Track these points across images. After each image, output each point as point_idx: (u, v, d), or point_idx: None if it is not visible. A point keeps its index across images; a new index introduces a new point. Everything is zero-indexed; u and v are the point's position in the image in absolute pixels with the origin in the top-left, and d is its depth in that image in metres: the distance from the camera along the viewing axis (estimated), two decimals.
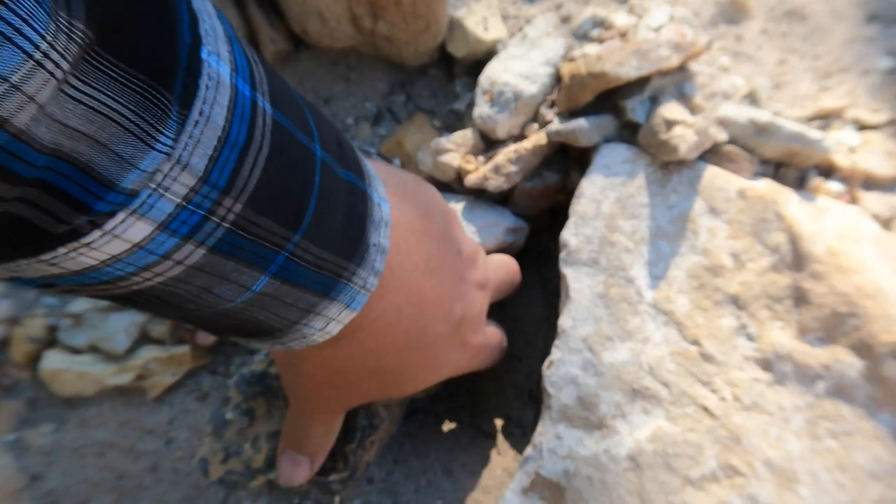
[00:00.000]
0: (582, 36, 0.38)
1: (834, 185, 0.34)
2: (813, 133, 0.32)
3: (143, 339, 0.35)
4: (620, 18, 0.37)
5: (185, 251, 0.17)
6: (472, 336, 0.31)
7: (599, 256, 0.33)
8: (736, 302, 0.32)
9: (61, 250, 0.15)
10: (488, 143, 0.40)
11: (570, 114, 0.36)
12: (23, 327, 0.34)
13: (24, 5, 0.11)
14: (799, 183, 0.34)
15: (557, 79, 0.38)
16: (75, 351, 0.34)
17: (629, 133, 0.35)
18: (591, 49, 0.37)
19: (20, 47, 0.11)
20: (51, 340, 0.34)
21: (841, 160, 0.33)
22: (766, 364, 0.31)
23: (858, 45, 0.38)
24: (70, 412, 0.34)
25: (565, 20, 0.40)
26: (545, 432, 0.32)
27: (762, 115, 0.33)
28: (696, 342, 0.32)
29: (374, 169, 0.26)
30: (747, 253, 0.32)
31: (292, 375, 0.29)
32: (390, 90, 0.45)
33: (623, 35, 0.37)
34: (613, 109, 0.35)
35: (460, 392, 0.41)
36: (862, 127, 0.36)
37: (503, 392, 0.42)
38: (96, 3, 0.13)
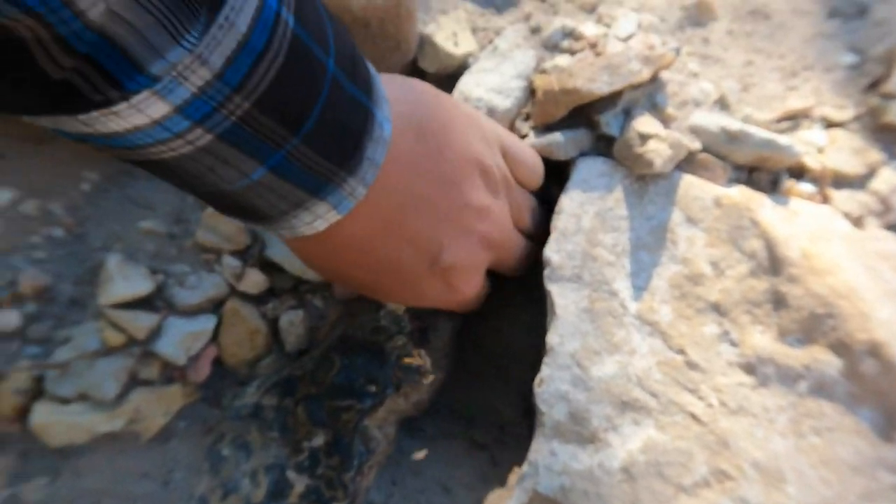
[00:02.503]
0: (553, 47, 0.39)
1: (806, 186, 0.34)
2: (782, 139, 0.33)
3: (133, 382, 0.35)
4: (589, 29, 0.37)
5: (195, 134, 0.20)
6: (464, 285, 0.33)
7: (582, 271, 0.34)
8: (717, 309, 0.33)
9: (94, 114, 0.19)
10: None
11: (545, 127, 0.36)
12: (8, 381, 0.33)
13: None
14: (772, 186, 0.34)
15: (531, 91, 0.38)
16: (64, 401, 0.33)
17: (605, 145, 0.35)
18: (562, 60, 0.37)
19: None
20: (38, 391, 0.34)
21: (810, 161, 0.34)
22: (749, 368, 0.32)
23: (821, 42, 0.39)
24: (63, 463, 0.33)
25: (535, 31, 0.40)
26: (540, 449, 0.33)
27: (733, 124, 0.33)
28: (681, 351, 0.33)
29: (391, 93, 0.28)
30: (725, 260, 0.33)
31: (304, 260, 0.32)
32: None
33: (593, 46, 0.37)
34: (588, 123, 0.35)
35: (452, 405, 0.42)
36: (829, 125, 0.36)
37: (493, 402, 0.42)
38: None
